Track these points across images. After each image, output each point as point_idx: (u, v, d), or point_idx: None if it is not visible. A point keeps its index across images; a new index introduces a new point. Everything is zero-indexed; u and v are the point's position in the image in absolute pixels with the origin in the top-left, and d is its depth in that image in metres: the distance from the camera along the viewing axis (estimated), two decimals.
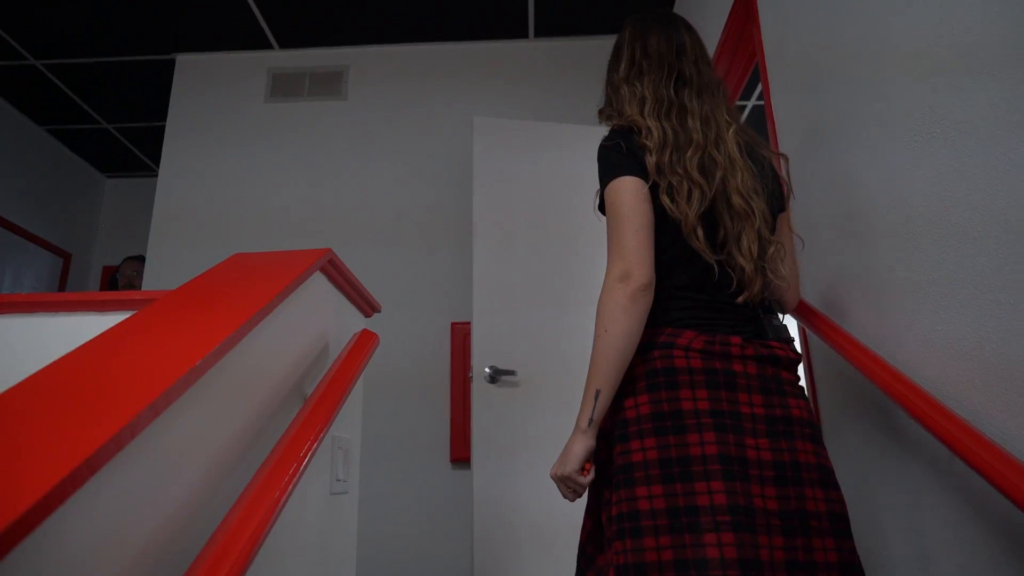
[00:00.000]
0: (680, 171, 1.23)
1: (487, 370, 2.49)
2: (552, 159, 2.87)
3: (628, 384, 1.21)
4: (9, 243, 4.48)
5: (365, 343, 1.46)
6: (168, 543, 0.85)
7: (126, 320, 0.99)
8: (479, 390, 2.49)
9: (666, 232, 1.24)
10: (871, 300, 1.44)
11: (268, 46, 3.75)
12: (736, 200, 1.25)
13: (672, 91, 1.33)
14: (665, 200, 1.22)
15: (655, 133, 1.26)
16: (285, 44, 3.74)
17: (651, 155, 1.24)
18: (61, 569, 0.64)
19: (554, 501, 2.34)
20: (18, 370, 1.42)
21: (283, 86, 3.71)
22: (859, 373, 1.37)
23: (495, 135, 2.88)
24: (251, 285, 1.19)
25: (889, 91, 1.35)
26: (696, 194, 1.22)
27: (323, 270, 1.45)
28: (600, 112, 1.49)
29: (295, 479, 0.99)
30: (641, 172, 1.23)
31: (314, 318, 1.40)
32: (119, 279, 3.95)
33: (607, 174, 1.26)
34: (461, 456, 2.90)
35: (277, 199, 3.48)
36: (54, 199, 4.88)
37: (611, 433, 1.22)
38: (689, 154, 1.25)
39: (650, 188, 1.24)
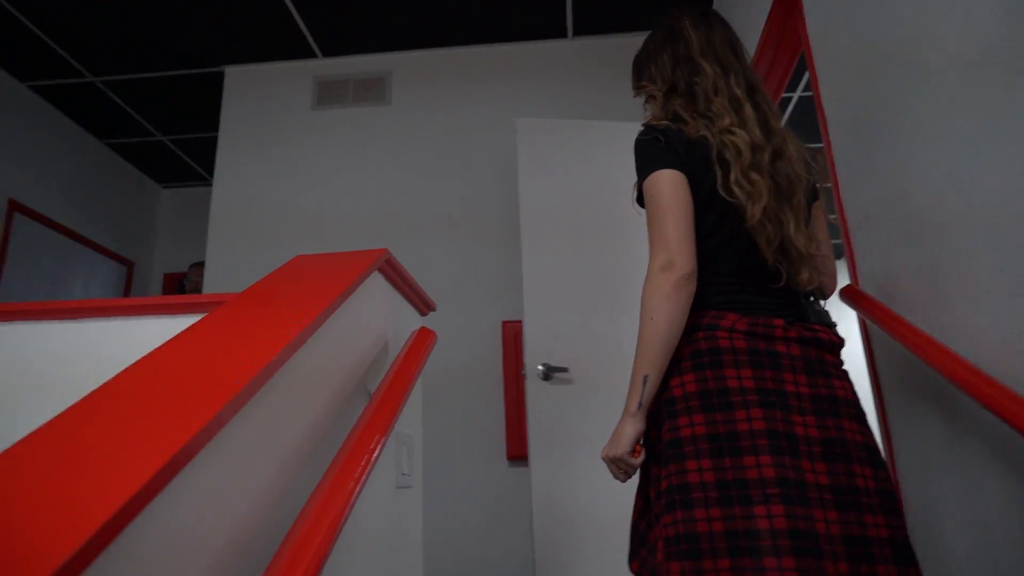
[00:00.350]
0: (755, 174, 1.26)
1: (540, 367, 2.49)
2: (595, 156, 2.85)
3: (674, 365, 1.24)
4: (78, 253, 4.64)
5: (423, 340, 1.47)
6: (248, 537, 0.86)
7: (200, 321, 1.02)
8: (533, 388, 2.49)
9: (710, 220, 1.28)
10: (931, 291, 1.40)
11: (312, 55, 3.81)
12: (798, 197, 1.30)
13: (744, 92, 1.35)
14: (736, 190, 1.25)
15: (745, 132, 1.28)
16: (328, 52, 3.79)
17: (736, 150, 1.27)
18: (160, 556, 0.66)
19: (613, 496, 2.33)
20: (102, 371, 1.47)
21: (328, 93, 3.76)
22: (921, 361, 1.33)
23: (539, 135, 2.87)
24: (315, 285, 1.21)
25: (939, 81, 1.31)
26: (767, 192, 1.26)
27: (381, 270, 1.47)
28: (642, 88, 1.50)
29: (366, 473, 1.00)
30: (679, 165, 1.26)
31: (374, 317, 1.42)
32: (186, 285, 4.09)
33: (645, 168, 1.30)
34: (517, 453, 2.90)
35: (327, 203, 3.53)
36: (115, 210, 5.04)
37: (658, 412, 1.26)
38: (769, 155, 1.29)
39: (711, 178, 1.27)
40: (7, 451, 0.63)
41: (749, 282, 1.28)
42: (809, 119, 2.12)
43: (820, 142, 2.02)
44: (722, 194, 1.26)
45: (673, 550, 1.10)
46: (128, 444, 0.65)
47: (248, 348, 0.91)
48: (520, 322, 3.03)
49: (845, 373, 1.26)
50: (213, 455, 0.76)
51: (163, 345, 0.92)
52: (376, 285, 1.43)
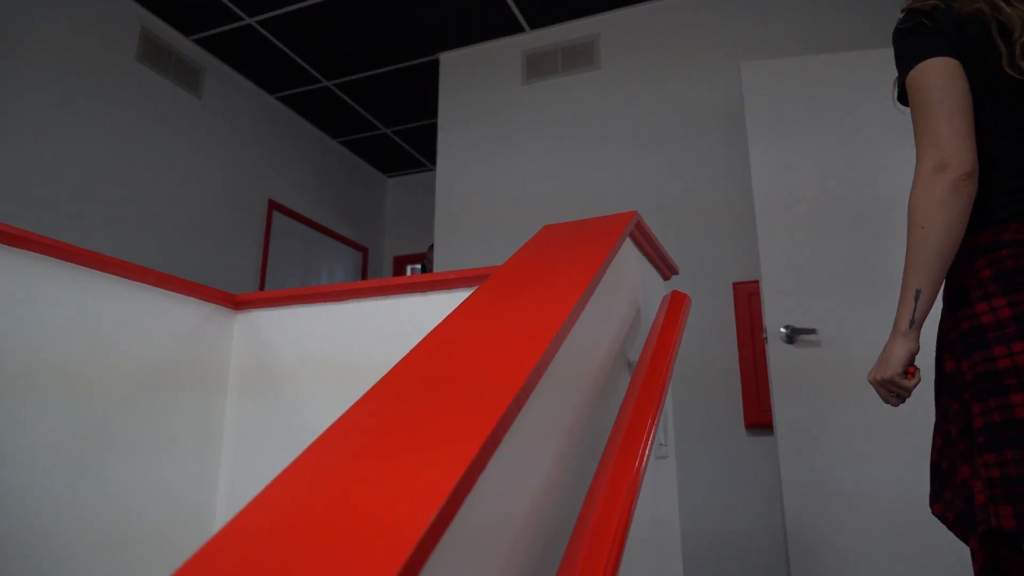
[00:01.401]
0: None
1: (783, 330, 2.30)
2: (835, 94, 2.54)
3: (977, 289, 1.10)
4: (322, 243, 5.16)
5: (679, 306, 1.39)
6: (542, 513, 0.85)
7: (472, 298, 1.02)
8: (776, 351, 2.30)
9: (997, 109, 1.12)
10: None
11: (520, 29, 3.83)
12: None
13: None
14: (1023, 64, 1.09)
15: None
16: (536, 24, 3.78)
17: (1013, 19, 1.11)
18: (481, 528, 0.65)
19: (875, 465, 2.10)
20: (380, 347, 1.57)
21: (538, 66, 3.76)
22: None
23: (766, 79, 2.63)
24: (574, 255, 1.17)
25: None
26: None
27: (631, 234, 1.41)
28: None
29: (647, 453, 0.95)
30: (951, 50, 1.11)
31: (627, 283, 1.36)
32: (426, 265, 4.46)
33: (909, 59, 1.15)
34: (756, 421, 2.73)
35: (544, 175, 3.55)
36: (350, 201, 5.52)
37: (956, 343, 1.12)
38: None
39: (994, 58, 1.10)
40: (324, 436, 0.64)
41: None
42: None
43: None
44: (1010, 72, 1.10)
45: (1000, 492, 0.99)
46: (441, 426, 0.64)
47: (529, 324, 0.89)
48: (755, 283, 2.83)
49: None
50: (515, 433, 0.75)
51: (445, 323, 0.93)
52: (628, 251, 1.38)
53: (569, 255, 1.18)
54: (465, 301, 1.02)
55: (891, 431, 2.13)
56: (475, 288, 1.55)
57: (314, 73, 4.31)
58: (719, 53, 3.32)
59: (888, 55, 2.25)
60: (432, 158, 5.47)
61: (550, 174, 3.54)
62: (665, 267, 1.66)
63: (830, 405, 2.24)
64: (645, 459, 0.92)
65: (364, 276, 5.64)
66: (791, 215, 2.44)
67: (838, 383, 2.24)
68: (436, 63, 4.11)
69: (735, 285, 2.93)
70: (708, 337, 2.94)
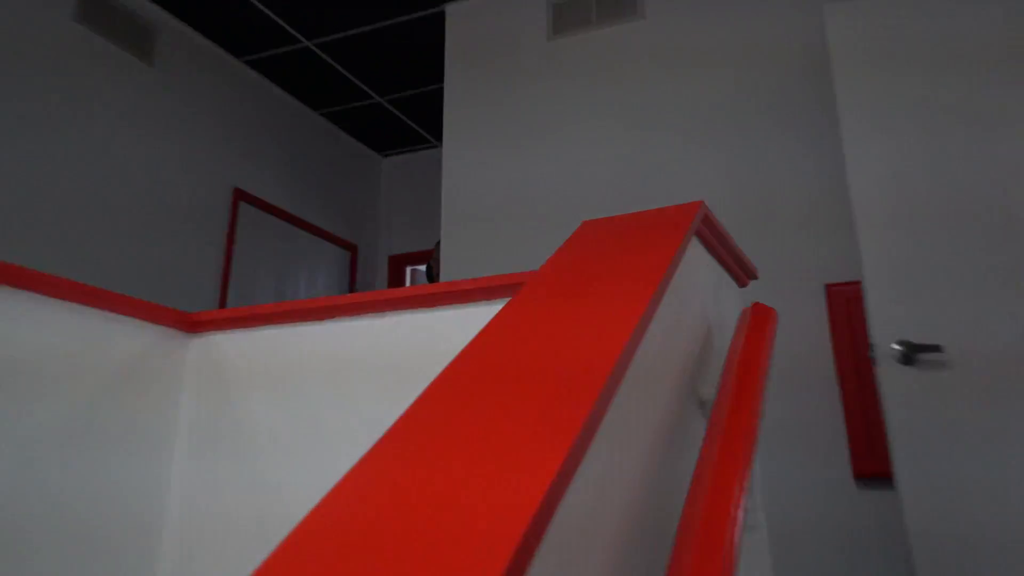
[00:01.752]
0: None
1: (896, 346, 2.19)
2: (954, 42, 2.44)
3: None
4: (300, 240, 5.15)
5: (763, 324, 1.30)
6: None
7: (503, 316, 0.95)
8: (889, 375, 2.19)
9: None
10: None
11: None
12: None
13: None
14: None
15: None
16: None
17: None
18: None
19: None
20: (383, 379, 1.51)
21: (567, 16, 3.70)
22: None
23: (859, 25, 2.52)
24: (628, 261, 1.09)
25: None
26: None
27: (698, 232, 1.32)
28: None
29: (738, 529, 0.87)
30: None
31: (694, 295, 1.28)
32: (433, 265, 4.38)
33: None
34: (869, 469, 2.61)
35: (575, 154, 3.48)
36: (336, 188, 5.49)
37: None
38: None
39: None
40: (393, 429, 0.65)
41: None
42: None
43: None
44: None
45: None
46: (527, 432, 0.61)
47: (580, 354, 0.82)
48: (855, 284, 2.73)
49: None
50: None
51: (469, 348, 0.86)
52: (696, 253, 1.30)
53: (622, 260, 1.10)
54: (493, 320, 0.96)
55: None
56: (501, 302, 1.48)
57: (291, 31, 4.28)
58: None
59: None
60: (437, 132, 5.42)
61: (584, 151, 3.47)
62: (741, 271, 1.58)
63: (966, 446, 2.12)
64: (736, 541, 0.83)
65: (353, 280, 5.61)
66: (900, 199, 2.34)
67: (976, 416, 2.12)
68: (441, 16, 4.07)
69: (829, 288, 2.84)
70: (798, 353, 2.84)
